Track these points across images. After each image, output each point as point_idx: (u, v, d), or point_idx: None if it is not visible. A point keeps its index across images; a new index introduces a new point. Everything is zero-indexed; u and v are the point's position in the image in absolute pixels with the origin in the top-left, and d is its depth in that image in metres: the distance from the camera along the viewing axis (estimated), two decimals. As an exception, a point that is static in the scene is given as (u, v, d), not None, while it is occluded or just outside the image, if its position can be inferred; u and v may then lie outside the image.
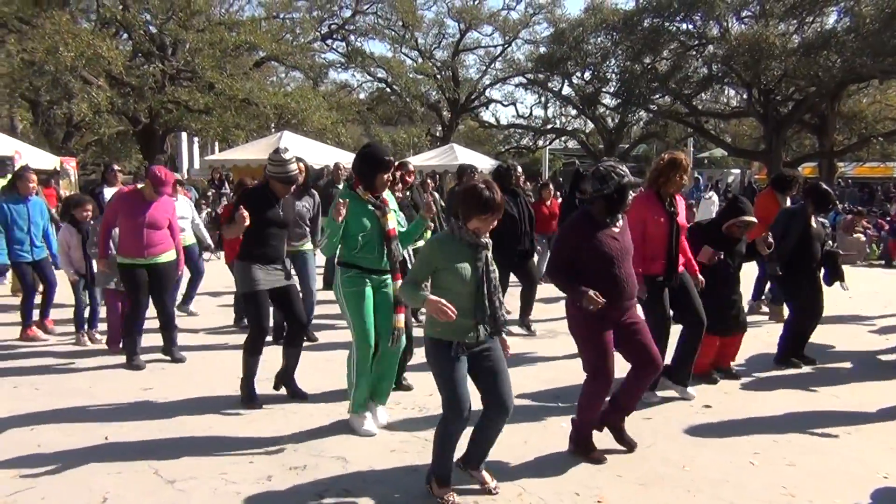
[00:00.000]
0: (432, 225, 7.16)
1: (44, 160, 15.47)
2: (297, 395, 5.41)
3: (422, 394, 5.45)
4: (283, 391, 5.48)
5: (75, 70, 20.13)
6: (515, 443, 4.50)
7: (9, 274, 9.98)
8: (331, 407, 5.17)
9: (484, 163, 27.62)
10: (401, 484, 3.96)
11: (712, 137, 32.58)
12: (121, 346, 6.74)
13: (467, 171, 8.75)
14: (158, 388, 5.69)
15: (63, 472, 4.08)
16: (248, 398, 5.26)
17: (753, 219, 5.65)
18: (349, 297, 4.61)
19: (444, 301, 3.43)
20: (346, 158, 20.86)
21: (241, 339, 7.14)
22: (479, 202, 3.51)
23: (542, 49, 33.13)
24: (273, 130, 24.67)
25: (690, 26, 27.11)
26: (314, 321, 7.45)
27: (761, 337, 7.44)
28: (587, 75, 31.68)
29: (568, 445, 4.42)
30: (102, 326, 7.23)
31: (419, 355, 6.10)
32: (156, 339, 6.66)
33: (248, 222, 5.02)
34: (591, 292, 3.91)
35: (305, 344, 7.03)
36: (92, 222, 7.07)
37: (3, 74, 19.48)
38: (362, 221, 4.58)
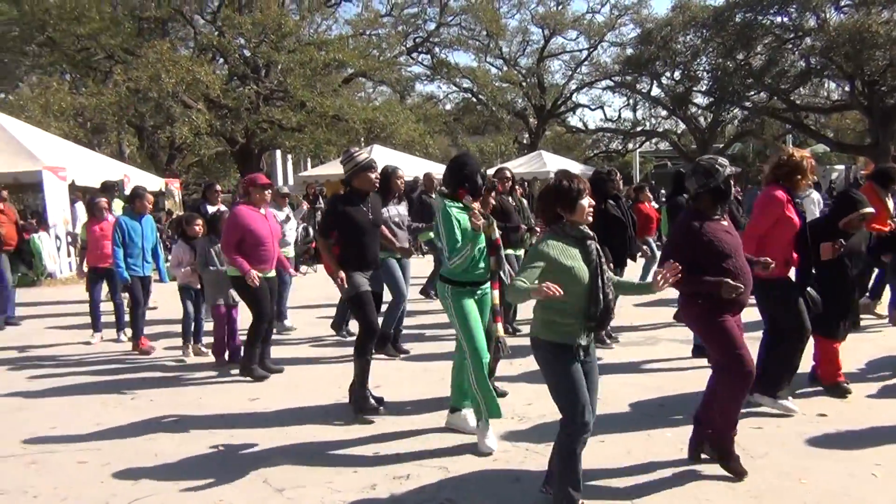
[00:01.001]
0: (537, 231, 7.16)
1: (150, 182, 16.28)
2: (377, 403, 5.40)
3: (520, 402, 5.42)
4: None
5: (176, 95, 21.14)
6: (618, 453, 4.41)
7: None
8: (430, 416, 5.20)
9: (573, 168, 27.33)
10: (504, 493, 3.95)
11: (813, 133, 31.17)
12: (226, 358, 7.00)
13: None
14: (265, 398, 5.87)
15: (179, 479, 4.26)
16: (364, 405, 5.26)
17: (871, 209, 5.42)
18: (461, 312, 4.58)
19: (547, 282, 3.26)
20: (435, 169, 21.11)
21: (341, 350, 7.32)
22: (569, 189, 3.46)
23: (630, 50, 32.55)
24: (363, 144, 25.20)
25: (785, 19, 26.07)
26: (405, 331, 7.53)
27: (877, 341, 7.05)
28: (677, 75, 30.93)
29: (688, 453, 4.27)
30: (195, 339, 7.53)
31: (515, 365, 6.11)
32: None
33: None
34: (728, 280, 3.85)
35: (403, 354, 7.17)
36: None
37: (111, 103, 20.61)
38: (476, 233, 4.59)
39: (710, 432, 4.21)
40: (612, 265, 6.63)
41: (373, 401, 5.33)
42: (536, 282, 3.34)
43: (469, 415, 4.86)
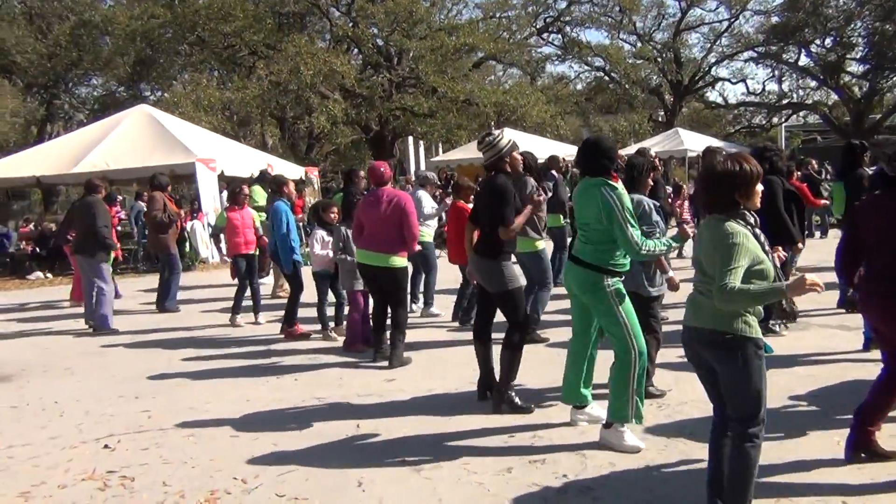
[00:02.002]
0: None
1: (291, 170, 17.00)
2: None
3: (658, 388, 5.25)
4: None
5: (314, 87, 21.98)
6: (768, 446, 4.15)
7: (269, 278, 11.02)
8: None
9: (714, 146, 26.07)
10: (642, 482, 3.83)
11: None
12: (363, 342, 7.11)
13: (715, 153, 8.17)
14: (401, 379, 6.01)
15: (322, 456, 4.43)
16: (514, 403, 5.04)
17: None
18: (627, 305, 4.32)
19: (804, 276, 2.97)
20: (566, 151, 20.77)
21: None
22: (751, 174, 3.13)
23: (775, 18, 30.74)
24: (493, 127, 25.19)
25: (955, -27, 23.74)
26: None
27: None
28: (828, 42, 28.99)
29: (846, 452, 3.93)
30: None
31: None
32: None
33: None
34: None
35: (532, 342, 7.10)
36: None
37: (255, 96, 21.70)
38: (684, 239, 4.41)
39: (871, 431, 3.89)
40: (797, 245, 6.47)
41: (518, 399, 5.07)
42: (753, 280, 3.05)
43: (596, 408, 4.69)
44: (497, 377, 5.22)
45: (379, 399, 5.51)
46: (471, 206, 7.84)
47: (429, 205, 8.49)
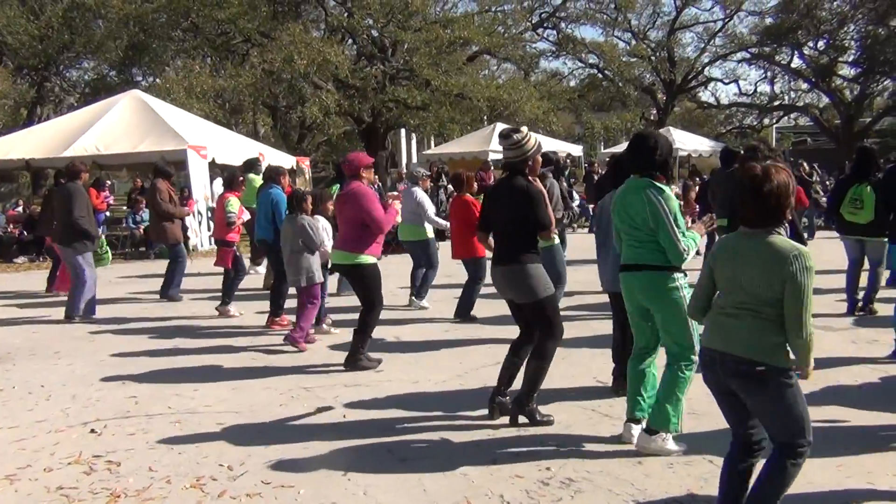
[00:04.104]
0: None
1: (283, 160, 16.94)
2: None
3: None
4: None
5: (307, 76, 21.89)
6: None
7: (262, 268, 10.95)
8: (561, 403, 5.15)
9: (703, 146, 26.29)
10: (625, 475, 3.87)
11: (977, 105, 28.51)
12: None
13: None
14: (389, 371, 6.03)
15: (308, 444, 4.46)
16: (538, 414, 4.73)
17: None
18: (687, 306, 3.98)
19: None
20: (558, 147, 20.80)
21: (467, 330, 7.36)
22: (791, 184, 2.94)
23: (769, 20, 30.82)
24: (486, 123, 25.21)
25: (948, -21, 23.89)
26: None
27: None
28: (821, 44, 29.09)
29: None
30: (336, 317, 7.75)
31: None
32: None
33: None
34: None
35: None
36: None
37: (248, 84, 21.58)
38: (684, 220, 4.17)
39: None
40: None
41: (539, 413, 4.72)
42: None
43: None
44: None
45: (367, 390, 5.53)
46: (470, 196, 7.86)
47: (430, 208, 8.50)
